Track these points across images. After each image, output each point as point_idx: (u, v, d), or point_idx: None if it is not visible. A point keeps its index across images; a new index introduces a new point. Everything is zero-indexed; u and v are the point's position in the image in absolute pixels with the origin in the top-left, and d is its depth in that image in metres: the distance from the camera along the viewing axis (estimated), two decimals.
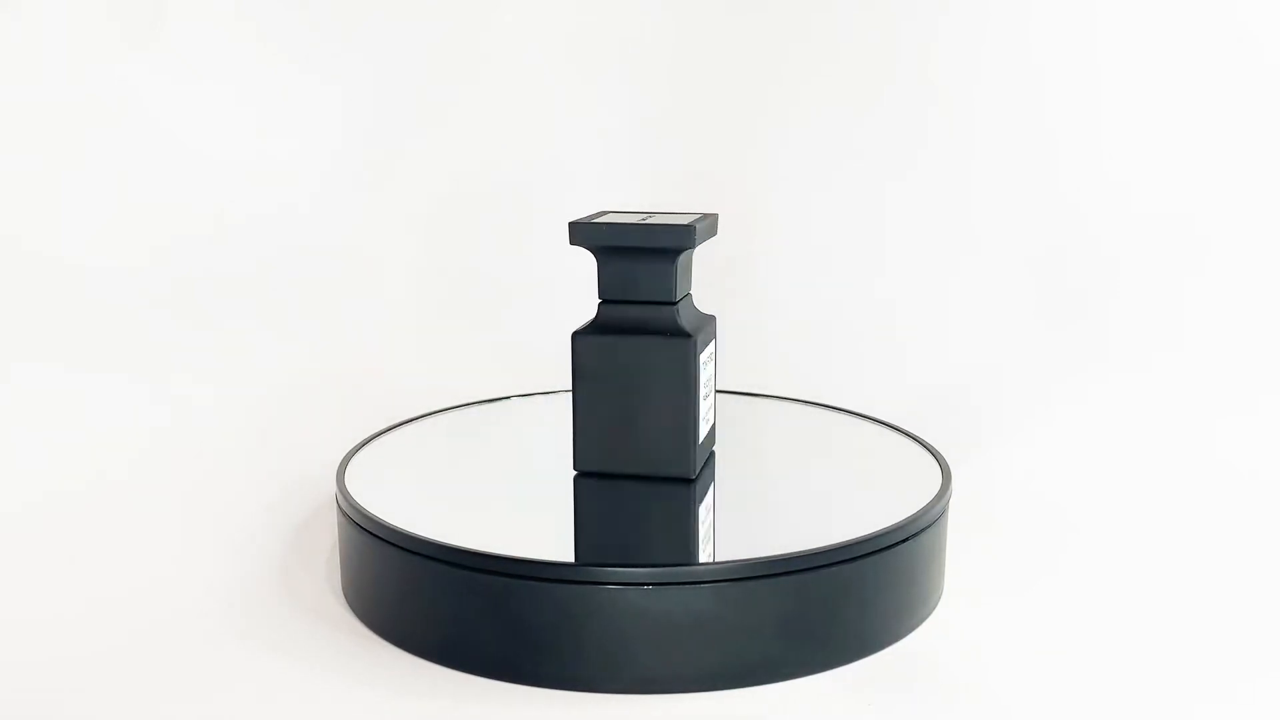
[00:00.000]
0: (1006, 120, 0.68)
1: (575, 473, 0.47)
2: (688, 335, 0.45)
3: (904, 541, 0.42)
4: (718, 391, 0.58)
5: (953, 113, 0.70)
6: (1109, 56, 0.66)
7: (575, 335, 0.46)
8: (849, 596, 0.40)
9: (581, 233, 0.45)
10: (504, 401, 0.59)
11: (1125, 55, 0.65)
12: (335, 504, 0.46)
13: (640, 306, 0.45)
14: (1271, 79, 0.62)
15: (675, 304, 0.45)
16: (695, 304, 0.48)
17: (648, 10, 0.77)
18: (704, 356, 0.46)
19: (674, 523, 0.44)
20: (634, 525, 0.44)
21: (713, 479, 0.47)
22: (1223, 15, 0.63)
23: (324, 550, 0.50)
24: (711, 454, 0.49)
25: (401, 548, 0.41)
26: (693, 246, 0.45)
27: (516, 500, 0.47)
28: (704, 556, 0.41)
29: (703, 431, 0.47)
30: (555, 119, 0.77)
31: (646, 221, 0.45)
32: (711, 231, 0.47)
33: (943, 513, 0.44)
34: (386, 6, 0.75)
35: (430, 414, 0.56)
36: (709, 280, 0.59)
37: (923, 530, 0.42)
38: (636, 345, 0.45)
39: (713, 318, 0.48)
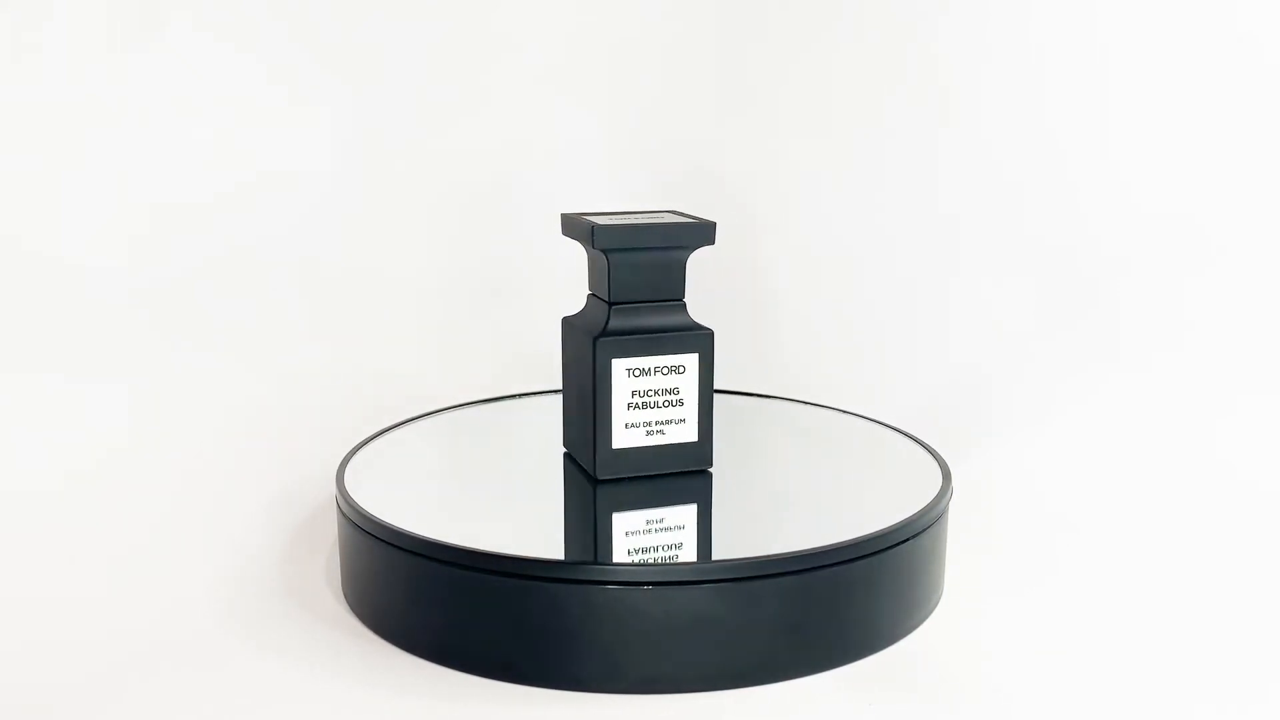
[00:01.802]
0: (1007, 119, 0.68)
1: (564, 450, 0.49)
2: (595, 336, 0.45)
3: (904, 542, 0.42)
4: (718, 391, 0.58)
5: (954, 112, 0.70)
6: (1113, 56, 0.66)
7: (564, 319, 0.48)
8: (849, 596, 0.40)
9: (566, 224, 0.47)
10: (504, 401, 0.59)
11: (1129, 55, 0.65)
12: (335, 504, 0.46)
13: (596, 302, 0.47)
14: (1272, 78, 0.62)
15: (610, 304, 0.46)
16: (686, 313, 0.47)
17: (647, 10, 0.77)
18: (640, 364, 0.46)
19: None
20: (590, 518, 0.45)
21: (693, 488, 0.47)
22: (1226, 14, 0.63)
23: (324, 550, 0.50)
24: (706, 474, 0.48)
25: (401, 548, 0.41)
26: (592, 247, 0.45)
27: (516, 500, 0.47)
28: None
29: (623, 439, 0.46)
30: (557, 118, 0.77)
31: (580, 215, 0.47)
32: (646, 238, 0.45)
33: (943, 513, 0.44)
34: (386, 7, 0.75)
35: (430, 414, 0.56)
36: (711, 280, 0.59)
37: (923, 530, 0.42)
38: (575, 339, 0.47)
39: (697, 333, 0.46)
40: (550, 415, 0.54)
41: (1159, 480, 0.57)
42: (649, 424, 0.46)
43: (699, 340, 0.46)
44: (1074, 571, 0.48)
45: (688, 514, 0.45)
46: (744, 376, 0.62)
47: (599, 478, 0.46)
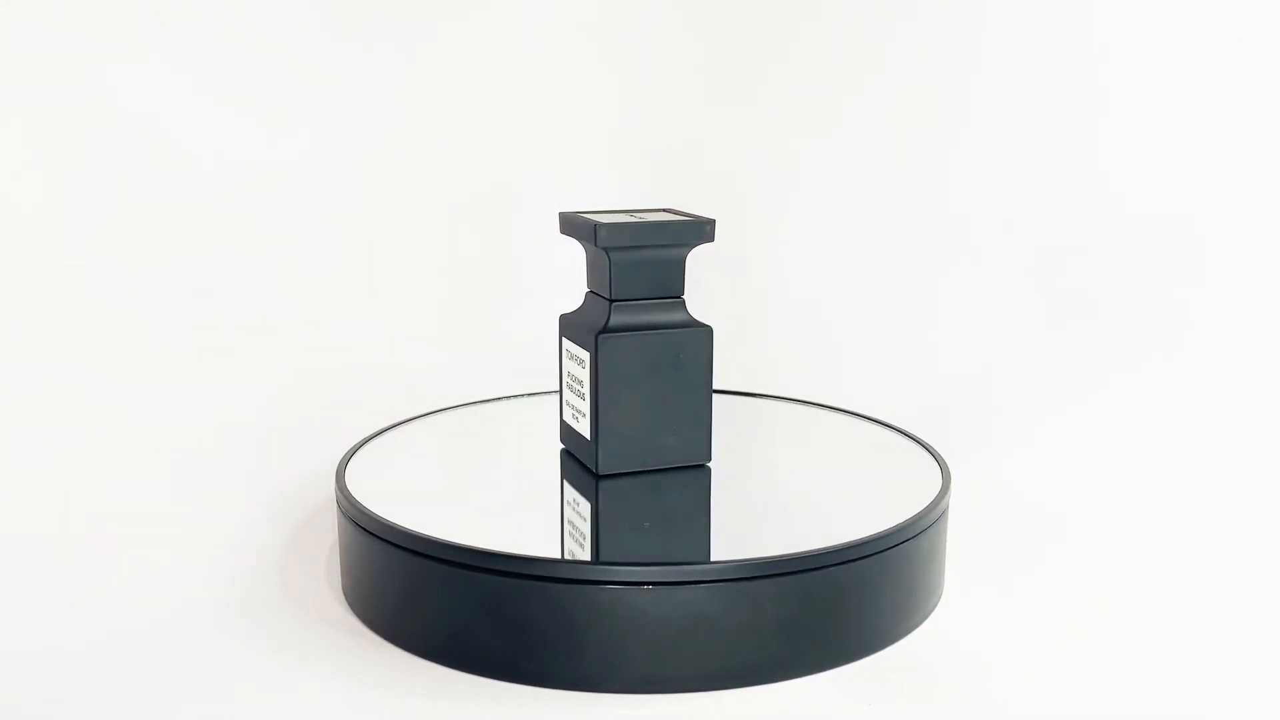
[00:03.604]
0: (1003, 121, 0.68)
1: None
2: (564, 312, 0.48)
3: (904, 542, 0.42)
4: (719, 390, 0.58)
5: (950, 114, 0.70)
6: (1107, 56, 0.66)
7: (561, 316, 0.49)
8: (849, 596, 0.40)
9: (565, 223, 0.48)
10: (503, 401, 0.59)
11: (1123, 55, 0.65)
12: (335, 504, 0.46)
13: (594, 299, 0.48)
14: (1269, 80, 0.62)
15: (593, 293, 0.47)
16: (610, 312, 0.46)
17: (645, 10, 0.77)
18: (567, 348, 0.47)
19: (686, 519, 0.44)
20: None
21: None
22: (1221, 14, 0.63)
23: (324, 550, 0.50)
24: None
25: (401, 547, 0.41)
26: (565, 234, 0.47)
27: (516, 500, 0.47)
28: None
29: (565, 414, 0.49)
30: (556, 118, 0.77)
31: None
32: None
33: (942, 514, 0.44)
34: (386, 9, 0.75)
35: (430, 414, 0.56)
36: (711, 280, 0.59)
37: (922, 531, 0.42)
38: (570, 333, 0.48)
39: (597, 332, 0.46)
40: (549, 415, 0.54)
41: (1158, 481, 0.57)
42: (572, 407, 0.48)
43: (592, 338, 0.46)
44: (1073, 572, 0.48)
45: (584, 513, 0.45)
46: (743, 376, 0.62)
47: (561, 444, 0.50)
